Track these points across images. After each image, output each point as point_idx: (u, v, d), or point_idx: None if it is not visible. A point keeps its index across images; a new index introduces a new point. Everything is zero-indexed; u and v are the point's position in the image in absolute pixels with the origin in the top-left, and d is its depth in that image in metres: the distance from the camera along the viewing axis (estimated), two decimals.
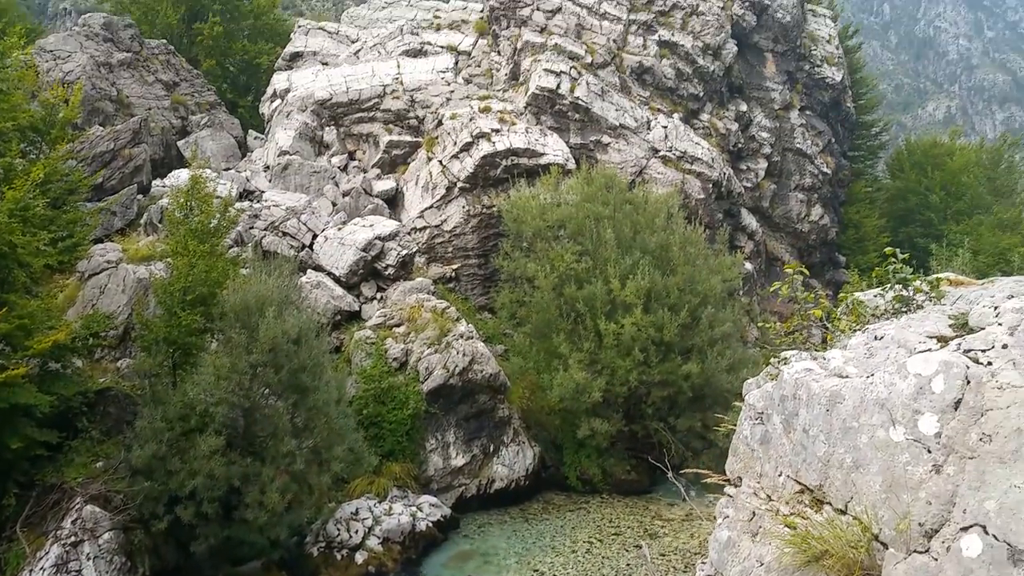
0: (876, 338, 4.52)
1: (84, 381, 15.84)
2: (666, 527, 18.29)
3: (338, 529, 16.18)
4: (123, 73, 28.27)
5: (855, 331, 5.36)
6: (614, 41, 29.74)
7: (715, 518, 5.18)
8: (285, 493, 14.73)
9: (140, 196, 23.13)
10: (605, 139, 27.89)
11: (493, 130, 26.37)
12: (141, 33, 31.87)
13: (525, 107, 27.91)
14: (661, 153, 28.12)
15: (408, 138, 28.89)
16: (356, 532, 16.21)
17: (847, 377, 4.24)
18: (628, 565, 16.26)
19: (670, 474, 14.20)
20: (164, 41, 32.73)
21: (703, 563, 5.15)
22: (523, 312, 22.31)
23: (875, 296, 6.02)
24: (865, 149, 44.58)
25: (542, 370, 21.23)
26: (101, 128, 23.80)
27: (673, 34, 30.52)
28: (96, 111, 25.71)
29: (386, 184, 27.56)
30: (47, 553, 13.20)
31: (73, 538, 13.51)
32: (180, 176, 23.46)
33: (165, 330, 16.26)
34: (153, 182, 24.39)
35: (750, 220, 31.97)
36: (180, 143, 28.64)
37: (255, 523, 14.48)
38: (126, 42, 29.71)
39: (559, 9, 29.88)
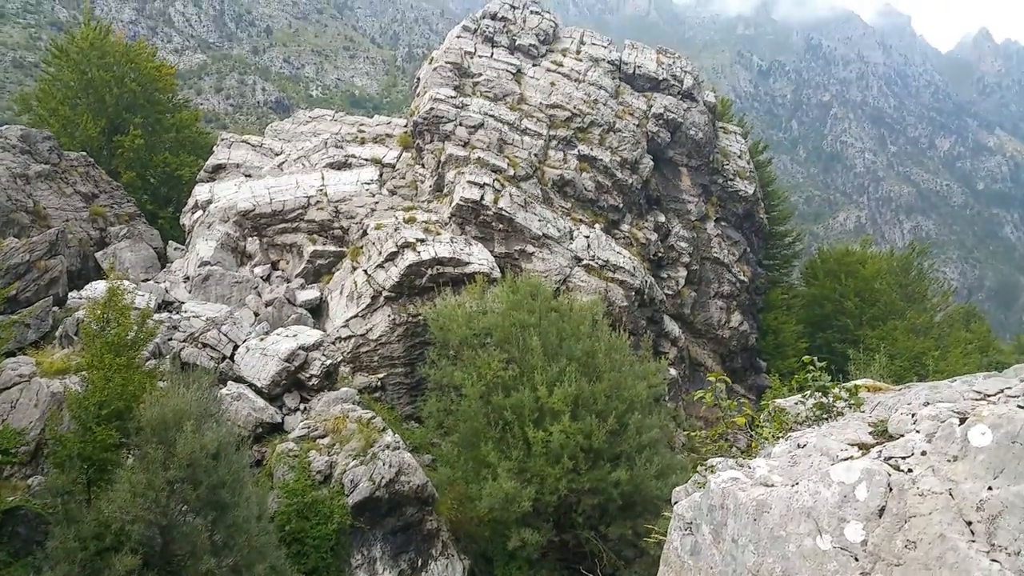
0: (799, 446, 4.69)
1: None
2: None
3: None
4: (40, 184, 28.68)
5: (778, 438, 5.63)
6: (535, 155, 31.91)
7: None
8: None
9: (56, 308, 23.18)
10: (529, 248, 29.48)
11: (418, 240, 27.63)
12: (60, 145, 32.48)
13: (450, 218, 29.39)
14: (584, 262, 29.83)
15: (332, 248, 29.87)
16: None
17: (772, 486, 4.35)
18: None
19: None
20: (83, 153, 33.36)
21: None
22: (450, 421, 22.79)
23: (796, 403, 6.41)
24: (780, 258, 47.76)
25: (471, 480, 21.57)
26: (16, 240, 23.99)
27: (592, 149, 32.95)
28: (11, 222, 25.92)
29: (310, 294, 28.25)
30: None
31: None
32: (97, 287, 23.69)
33: (79, 445, 16.27)
34: (70, 294, 24.49)
35: (673, 327, 33.72)
36: (98, 254, 28.88)
37: None
38: (44, 154, 30.25)
39: (481, 125, 32.02)
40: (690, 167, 37.07)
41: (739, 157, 40.15)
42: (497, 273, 27.58)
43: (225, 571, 15.27)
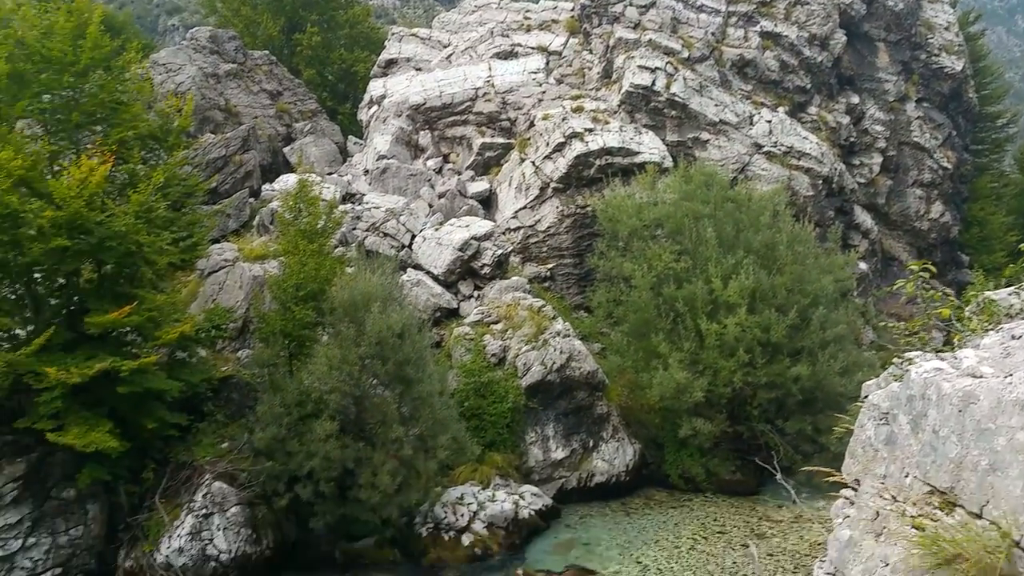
0: (1014, 337, 4.51)
1: (208, 369, 17.91)
2: (774, 528, 18.87)
3: (445, 512, 17.66)
4: (230, 83, 31.00)
5: (988, 331, 5.44)
6: (712, 34, 30.51)
7: (829, 520, 5.33)
8: (395, 476, 16.32)
9: (251, 199, 25.45)
10: (704, 136, 28.66)
11: (586, 129, 27.56)
12: (244, 45, 34.71)
13: (619, 105, 28.98)
14: (765, 149, 28.67)
15: (501, 140, 30.42)
16: (462, 516, 17.66)
17: (982, 377, 4.22)
18: (734, 563, 16.98)
19: (779, 476, 14.95)
20: (266, 52, 35.51)
21: (821, 562, 5.31)
22: (620, 311, 23.17)
23: (1009, 295, 6.19)
24: (990, 142, 43.49)
25: (641, 369, 22.04)
26: (213, 136, 26.32)
27: (776, 25, 31.03)
28: (207, 120, 28.36)
29: (480, 186, 29.13)
30: (183, 522, 15.16)
31: (204, 510, 15.43)
32: (288, 180, 25.66)
33: (281, 323, 18.24)
34: (263, 186, 26.72)
35: (864, 218, 32.00)
36: (285, 149, 31.10)
37: (368, 503, 16.12)
38: (231, 54, 32.50)
39: (653, 4, 30.88)
40: (888, 42, 34.11)
41: (945, 29, 36.40)
42: (669, 162, 27.15)
43: (412, 439, 16.84)
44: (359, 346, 17.45)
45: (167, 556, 14.81)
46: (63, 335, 15.32)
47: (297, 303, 18.28)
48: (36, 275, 16.02)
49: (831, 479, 5.58)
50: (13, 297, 15.88)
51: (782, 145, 28.76)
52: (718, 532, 18.58)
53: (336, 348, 17.42)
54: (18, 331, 15.63)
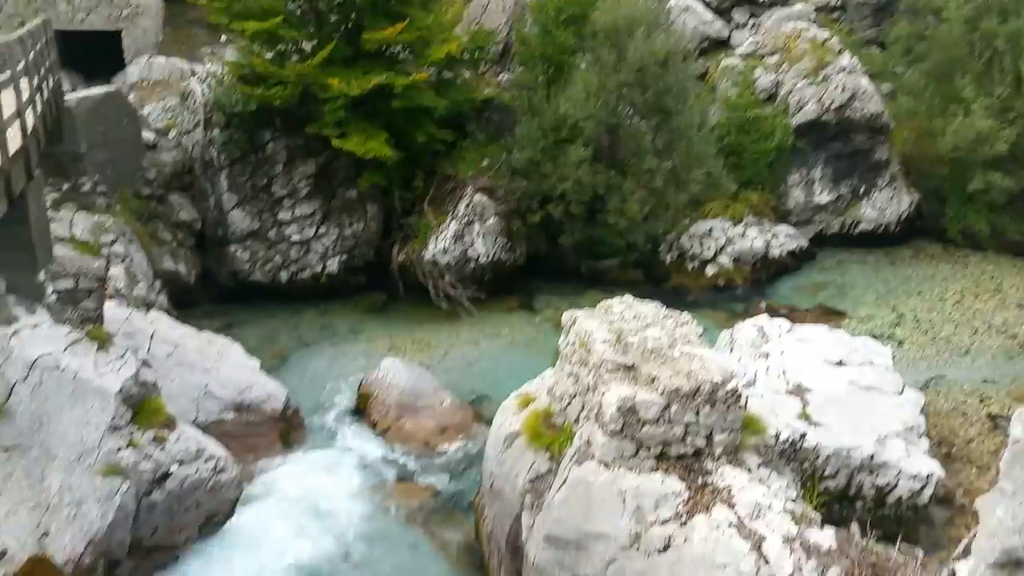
0: None
1: (471, 90, 18.97)
2: None
3: (691, 243, 18.13)
4: None
5: None
6: None
7: None
8: (644, 205, 16.84)
9: None
10: None
11: None
12: None
13: None
14: None
15: None
16: (708, 248, 18.05)
17: None
18: (1004, 323, 16.01)
19: None
20: None
21: None
22: (921, 48, 20.75)
23: None
24: None
25: (935, 114, 20.01)
26: None
27: None
28: None
29: None
30: (447, 227, 17.08)
31: (467, 219, 17.18)
32: None
33: (541, 47, 18.59)
34: None
35: None
36: None
37: (615, 227, 16.95)
38: None
39: None
40: None
41: None
42: None
43: (664, 172, 17.03)
44: (618, 73, 17.42)
45: (434, 254, 16.92)
46: (343, 50, 16.84)
47: (558, 26, 18.39)
48: None
49: None
50: (299, 12, 17.53)
51: None
52: (992, 291, 17.42)
53: (595, 75, 17.55)
54: (304, 45, 17.39)
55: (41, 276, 9.86)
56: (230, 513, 10.15)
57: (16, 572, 8.30)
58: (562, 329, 9.16)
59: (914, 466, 9.15)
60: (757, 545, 6.70)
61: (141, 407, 9.49)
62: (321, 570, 10.02)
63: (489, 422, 10.63)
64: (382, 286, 17.64)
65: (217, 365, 12.22)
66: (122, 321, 11.14)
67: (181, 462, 9.41)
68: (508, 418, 9.71)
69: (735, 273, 17.76)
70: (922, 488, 9.07)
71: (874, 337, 13.45)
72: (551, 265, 17.99)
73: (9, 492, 8.66)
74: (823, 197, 19.96)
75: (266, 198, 17.12)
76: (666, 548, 6.97)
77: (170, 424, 9.68)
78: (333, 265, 17.41)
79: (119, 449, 8.94)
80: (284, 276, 17.18)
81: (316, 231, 17.32)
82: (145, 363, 10.04)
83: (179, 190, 16.92)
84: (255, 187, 17.09)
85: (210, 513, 9.85)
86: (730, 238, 18.19)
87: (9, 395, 8.92)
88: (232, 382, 12.10)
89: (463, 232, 17.07)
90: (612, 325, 8.45)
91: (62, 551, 8.42)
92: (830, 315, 16.30)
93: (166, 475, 9.24)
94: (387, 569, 10.10)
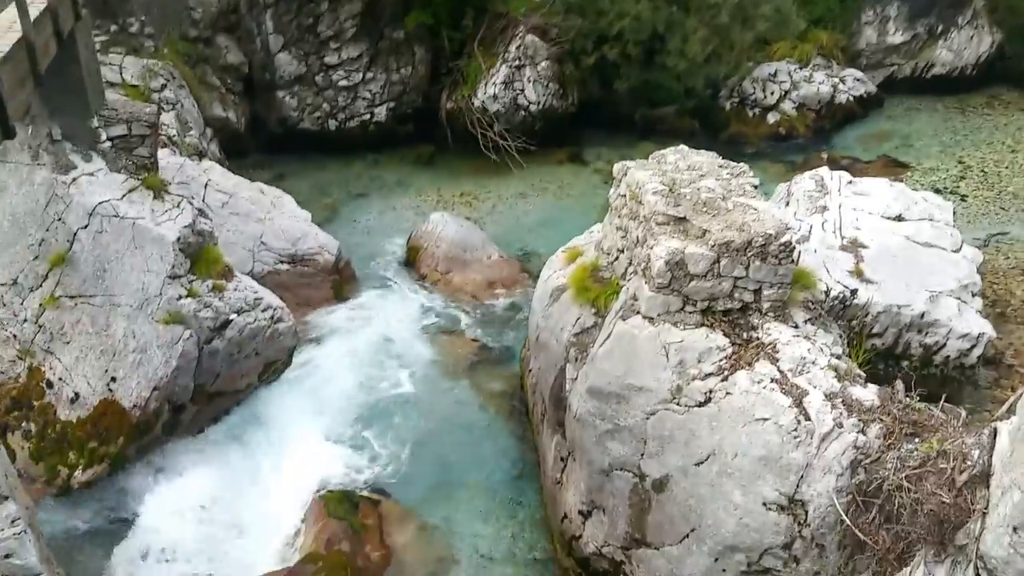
0: None
1: None
2: None
3: (753, 88, 17.39)
4: None
5: None
6: None
7: None
8: (706, 44, 16.02)
9: None
10: None
11: None
12: None
13: None
14: None
15: None
16: (771, 94, 17.32)
17: None
18: None
19: None
20: None
21: None
22: None
23: None
24: None
25: None
26: None
27: None
28: None
29: None
30: (497, 71, 16.60)
31: (517, 62, 16.65)
32: None
33: None
34: None
35: None
36: None
37: (674, 70, 16.24)
38: None
39: None
40: None
41: None
42: None
43: (730, 7, 15.92)
44: None
45: (483, 101, 16.51)
46: None
47: None
48: None
49: None
50: None
51: None
52: None
53: None
54: None
55: (95, 122, 9.89)
56: (288, 362, 10.65)
57: (88, 416, 8.96)
58: (613, 181, 9.04)
59: (965, 325, 9.05)
60: (798, 400, 6.80)
61: (199, 256, 9.75)
62: (373, 414, 10.60)
63: (536, 277, 10.77)
64: (430, 137, 17.42)
65: (271, 216, 12.44)
66: (176, 169, 11.29)
67: (240, 311, 9.73)
68: (555, 272, 9.81)
69: (797, 121, 17.09)
70: (971, 348, 9.00)
71: (937, 191, 13.05)
72: (604, 113, 17.43)
73: (77, 339, 9.20)
74: (896, 37, 18.82)
75: (312, 40, 16.72)
76: (706, 402, 7.12)
77: (227, 274, 9.98)
78: (381, 113, 17.22)
79: (179, 298, 9.28)
80: (332, 124, 17.08)
81: (363, 76, 17.00)
82: (201, 212, 10.21)
83: (225, 31, 16.58)
84: (301, 27, 16.65)
85: (269, 361, 10.32)
86: (795, 82, 17.38)
87: (72, 243, 9.27)
88: (286, 233, 12.36)
89: (513, 77, 16.59)
90: (665, 176, 8.27)
91: (129, 396, 8.99)
92: (893, 167, 15.71)
93: (226, 323, 9.58)
94: (435, 417, 10.64)
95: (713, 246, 7.24)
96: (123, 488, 9.24)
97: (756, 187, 8.28)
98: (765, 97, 17.29)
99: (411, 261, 13.60)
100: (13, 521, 6.17)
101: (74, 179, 9.47)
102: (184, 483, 9.36)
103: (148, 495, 9.20)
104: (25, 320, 9.23)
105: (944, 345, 9.04)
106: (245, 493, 9.46)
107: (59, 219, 9.30)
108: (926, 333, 9.04)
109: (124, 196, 9.61)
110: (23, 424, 9.01)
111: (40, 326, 9.21)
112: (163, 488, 9.29)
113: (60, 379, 9.07)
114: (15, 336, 9.22)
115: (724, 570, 6.99)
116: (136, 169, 10.01)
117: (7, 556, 6.13)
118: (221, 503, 9.29)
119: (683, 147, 9.12)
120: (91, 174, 9.62)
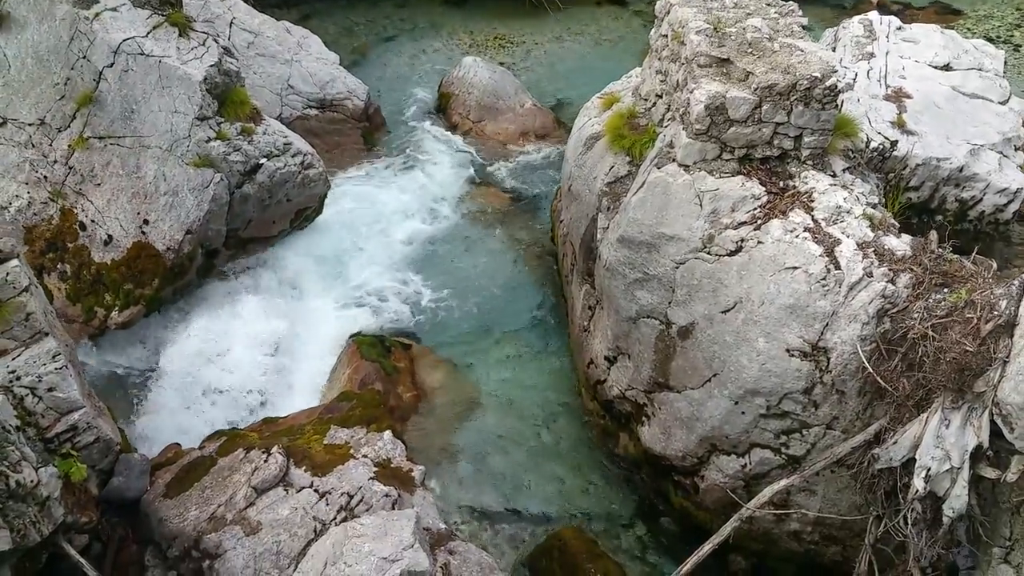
0: None
1: None
2: None
3: None
4: None
5: None
6: None
7: None
8: None
9: None
10: None
11: None
12: None
13: None
14: None
15: None
16: None
17: None
18: None
19: None
20: None
21: None
22: None
23: None
24: None
25: None
26: None
27: None
28: None
29: None
30: None
31: None
32: None
33: None
34: None
35: None
36: None
37: None
38: None
39: None
40: None
41: None
42: None
43: None
44: None
45: None
46: None
47: None
48: None
49: None
50: None
51: None
52: None
53: None
54: None
55: None
56: (319, 209, 10.77)
57: (122, 258, 9.18)
58: (654, 22, 8.77)
59: (1004, 180, 8.88)
60: (830, 250, 6.85)
61: (227, 98, 9.65)
62: (404, 262, 10.82)
63: (569, 127, 10.65)
64: None
65: (298, 58, 12.25)
66: (200, 7, 11.07)
67: (269, 156, 9.74)
68: (590, 119, 9.67)
69: None
70: (1008, 203, 8.88)
71: (989, 40, 12.45)
72: None
73: (108, 180, 9.31)
74: None
75: None
76: (737, 251, 7.19)
77: (256, 117, 9.92)
78: None
79: (208, 140, 9.30)
80: None
81: None
82: (227, 51, 10.04)
83: None
84: None
85: (300, 207, 10.45)
86: None
87: (98, 82, 9.23)
88: (314, 76, 12.19)
89: None
90: (710, 14, 7.98)
91: (162, 238, 9.18)
92: (946, 14, 15.06)
93: (256, 168, 9.61)
94: (466, 266, 10.84)
95: (756, 90, 7.10)
96: (160, 330, 9.59)
97: (805, 27, 8.03)
98: None
99: (442, 108, 13.43)
100: (54, 356, 6.51)
101: (97, 14, 9.29)
102: (219, 326, 9.71)
103: (184, 337, 9.56)
104: (55, 161, 9.33)
105: (980, 200, 8.93)
106: (280, 336, 9.82)
107: (84, 56, 9.22)
108: (963, 187, 8.92)
109: (149, 33, 9.45)
110: (58, 266, 9.24)
111: (71, 168, 9.31)
112: (198, 330, 9.62)
113: (93, 221, 9.25)
114: (46, 178, 9.34)
115: (743, 412, 7.30)
116: (160, 4, 9.76)
117: (50, 390, 6.49)
118: (256, 346, 9.67)
119: None
120: (114, 9, 9.41)
